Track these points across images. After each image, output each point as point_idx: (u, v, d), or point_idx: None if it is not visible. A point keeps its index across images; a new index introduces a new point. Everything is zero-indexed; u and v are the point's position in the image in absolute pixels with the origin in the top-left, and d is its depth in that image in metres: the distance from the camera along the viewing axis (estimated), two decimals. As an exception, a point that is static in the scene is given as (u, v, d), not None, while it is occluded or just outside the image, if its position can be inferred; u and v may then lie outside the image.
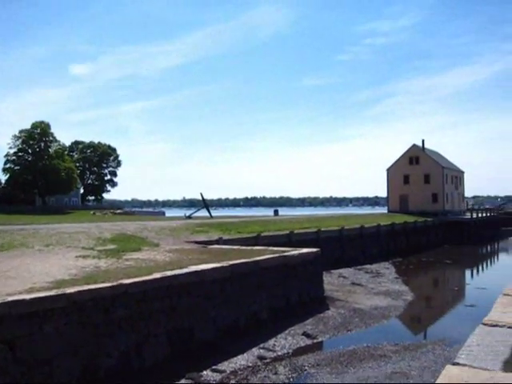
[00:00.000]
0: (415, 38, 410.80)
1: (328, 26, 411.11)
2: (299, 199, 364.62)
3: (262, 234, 33.77)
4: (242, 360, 15.43)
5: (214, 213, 66.33)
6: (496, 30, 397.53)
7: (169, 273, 15.68)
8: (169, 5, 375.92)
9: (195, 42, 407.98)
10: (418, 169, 77.86)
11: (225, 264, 18.04)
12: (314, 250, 24.38)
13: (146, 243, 25.62)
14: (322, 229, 41.10)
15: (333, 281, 29.90)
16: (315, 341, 18.06)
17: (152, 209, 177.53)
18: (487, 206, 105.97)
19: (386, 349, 17.15)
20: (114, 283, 13.59)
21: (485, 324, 6.81)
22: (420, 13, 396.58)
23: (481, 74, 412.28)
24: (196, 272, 16.42)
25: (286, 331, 18.61)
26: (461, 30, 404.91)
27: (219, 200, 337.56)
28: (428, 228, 63.89)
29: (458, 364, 5.21)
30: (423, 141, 79.86)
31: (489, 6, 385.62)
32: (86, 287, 12.86)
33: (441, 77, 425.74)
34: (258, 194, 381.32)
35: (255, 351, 16.30)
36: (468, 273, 42.76)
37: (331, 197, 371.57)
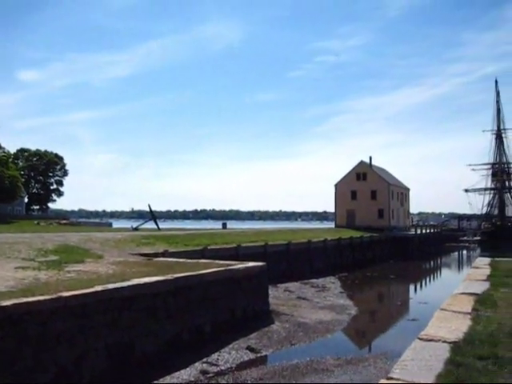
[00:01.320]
0: (365, 58, 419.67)
1: (280, 42, 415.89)
2: (249, 213, 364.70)
3: (209, 247, 33.56)
4: (184, 375, 15.20)
5: (162, 225, 65.61)
6: (441, 54, 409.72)
7: (111, 286, 15.34)
8: (120, 14, 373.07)
9: (146, 53, 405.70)
10: (365, 185, 79.12)
11: (169, 277, 17.79)
12: (260, 263, 24.35)
13: (90, 255, 25.06)
14: (270, 243, 41.17)
15: (279, 295, 29.91)
16: (259, 355, 17.96)
17: (99, 220, 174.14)
18: (431, 223, 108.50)
19: (328, 363, 17.18)
20: (53, 296, 13.19)
21: (420, 339, 6.90)
22: (370, 34, 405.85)
23: (426, 95, 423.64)
24: (139, 285, 16.13)
25: (230, 345, 18.45)
26: (408, 52, 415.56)
27: (168, 212, 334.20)
28: (374, 243, 64.83)
29: (391, 378, 5.25)
30: (370, 158, 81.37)
31: (435, 30, 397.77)
32: (23, 300, 12.43)
33: (388, 96, 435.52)
34: (208, 207, 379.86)
35: (198, 366, 16.09)
36: (412, 288, 43.54)
37: (281, 211, 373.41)
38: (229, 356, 17.41)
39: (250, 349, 18.27)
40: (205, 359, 16.69)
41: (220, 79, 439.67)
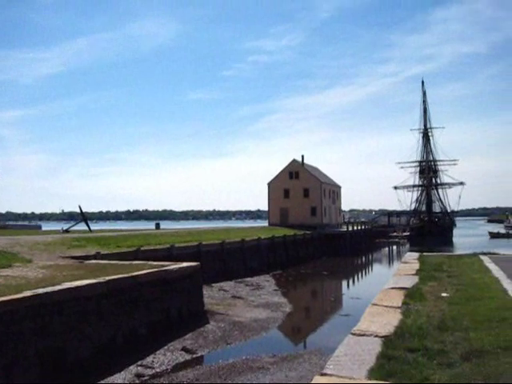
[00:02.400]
0: (297, 58, 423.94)
1: (212, 41, 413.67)
2: (182, 212, 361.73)
3: (142, 248, 33.09)
4: (118, 379, 14.96)
5: (94, 226, 64.14)
6: (370, 55, 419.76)
7: (40, 290, 14.89)
8: (48, 10, 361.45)
9: (76, 51, 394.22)
10: (298, 183, 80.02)
11: (101, 280, 17.43)
12: (194, 263, 24.24)
13: (18, 259, 24.23)
14: (204, 242, 41.01)
15: (213, 294, 29.84)
16: (195, 356, 17.89)
17: (28, 222, 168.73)
18: (362, 220, 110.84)
19: (264, 361, 17.30)
20: (-22, 303, 12.69)
21: (353, 334, 7.03)
22: (302, 34, 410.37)
23: (357, 94, 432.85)
24: (70, 289, 15.73)
25: (166, 347, 18.28)
26: (340, 53, 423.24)
27: (100, 213, 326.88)
28: (307, 241, 65.67)
29: (325, 374, 5.32)
30: (303, 156, 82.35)
31: (364, 31, 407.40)
32: None
33: (320, 96, 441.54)
34: (141, 207, 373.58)
35: (133, 369, 15.86)
36: (344, 283, 44.41)
37: (214, 210, 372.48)
38: (164, 358, 17.25)
39: (186, 350, 18.17)
40: (140, 362, 16.48)
41: (152, 78, 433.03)
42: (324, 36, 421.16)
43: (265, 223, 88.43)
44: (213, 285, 33.00)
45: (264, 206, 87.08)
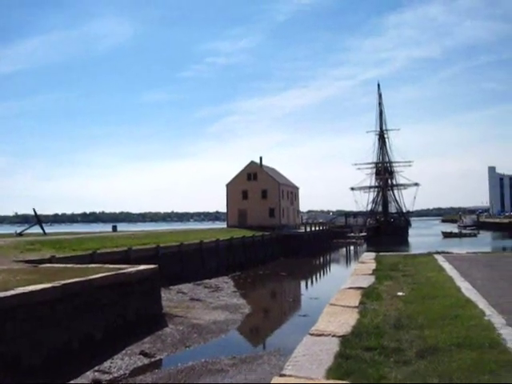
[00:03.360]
0: (254, 60, 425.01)
1: (170, 42, 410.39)
2: (140, 214, 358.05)
3: (99, 252, 32.65)
4: (74, 385, 14.69)
5: (49, 229, 63.00)
6: (326, 58, 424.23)
7: (-7, 296, 14.51)
8: (0, 7, 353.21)
9: (31, 50, 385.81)
10: (256, 185, 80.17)
11: (56, 284, 17.10)
12: (152, 266, 24.03)
13: (-31, 264, 23.59)
14: (162, 244, 40.72)
15: (172, 297, 29.63)
16: (153, 359, 17.73)
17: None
18: (320, 220, 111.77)
19: (223, 363, 17.27)
20: None
21: (311, 334, 7.08)
22: (259, 36, 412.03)
23: (314, 96, 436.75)
24: (23, 294, 15.37)
25: (123, 351, 18.06)
26: (296, 55, 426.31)
27: (55, 216, 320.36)
28: (265, 242, 65.83)
29: (284, 375, 5.33)
30: (261, 158, 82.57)
31: (321, 35, 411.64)
32: None
33: (277, 98, 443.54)
34: (97, 210, 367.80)
35: (89, 374, 15.61)
36: (303, 284, 44.72)
37: (173, 212, 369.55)
38: (122, 362, 17.03)
39: (144, 353, 17.98)
40: (96, 367, 16.23)
41: (109, 78, 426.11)
42: (281, 39, 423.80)
43: (223, 225, 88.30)
44: (171, 287, 32.76)
45: (222, 208, 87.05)
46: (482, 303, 9.30)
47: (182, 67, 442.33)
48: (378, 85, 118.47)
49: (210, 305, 28.37)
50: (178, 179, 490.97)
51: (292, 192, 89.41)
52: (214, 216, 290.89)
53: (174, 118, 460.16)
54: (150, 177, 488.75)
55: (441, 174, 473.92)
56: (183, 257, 42.76)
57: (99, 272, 20.83)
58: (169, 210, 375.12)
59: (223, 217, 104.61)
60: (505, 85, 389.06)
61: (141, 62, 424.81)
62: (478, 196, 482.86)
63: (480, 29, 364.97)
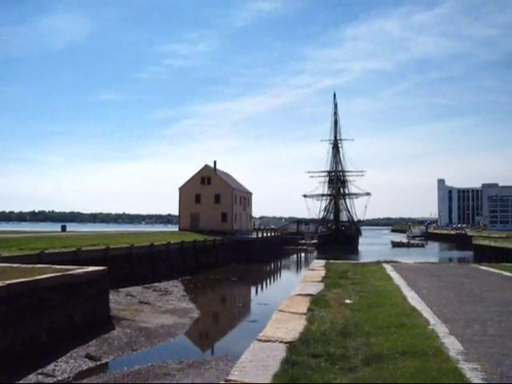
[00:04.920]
0: (212, 64, 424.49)
1: (128, 42, 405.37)
2: (91, 215, 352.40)
3: (46, 252, 31.96)
4: (16, 388, 14.32)
5: (-5, 228, 61.32)
6: (285, 65, 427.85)
7: None
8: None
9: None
10: (209, 189, 79.94)
11: (1, 284, 16.65)
12: (101, 268, 23.66)
13: None
14: (112, 246, 40.14)
15: (120, 300, 29.22)
16: (99, 363, 17.44)
17: None
18: (272, 226, 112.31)
19: (170, 367, 17.13)
20: None
21: (259, 340, 7.10)
22: (218, 41, 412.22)
23: (271, 103, 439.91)
24: (-34, 293, 14.92)
25: (68, 354, 17.70)
26: (254, 62, 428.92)
27: (2, 213, 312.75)
28: (217, 246, 65.66)
29: (230, 380, 5.33)
30: (215, 162, 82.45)
31: (278, 43, 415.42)
32: None
33: (234, 103, 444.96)
34: (47, 209, 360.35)
35: (32, 378, 15.25)
36: (253, 289, 44.74)
37: (124, 213, 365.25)
38: (66, 365, 16.69)
39: (90, 357, 17.67)
40: (40, 370, 15.86)
41: (62, 75, 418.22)
42: (239, 44, 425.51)
43: (175, 228, 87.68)
44: (120, 290, 32.31)
45: (175, 211, 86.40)
46: (426, 312, 9.51)
47: (138, 68, 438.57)
48: (334, 94, 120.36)
49: (159, 308, 28.09)
50: (130, 181, 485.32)
51: (245, 197, 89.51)
52: (167, 219, 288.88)
53: (129, 119, 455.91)
54: (102, 177, 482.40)
55: (392, 184, 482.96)
56: (133, 259, 42.26)
57: (46, 273, 20.38)
58: (120, 212, 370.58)
59: (175, 220, 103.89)
60: (454, 101, 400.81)
61: (96, 60, 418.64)
62: (427, 207, 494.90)
63: (432, 45, 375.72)
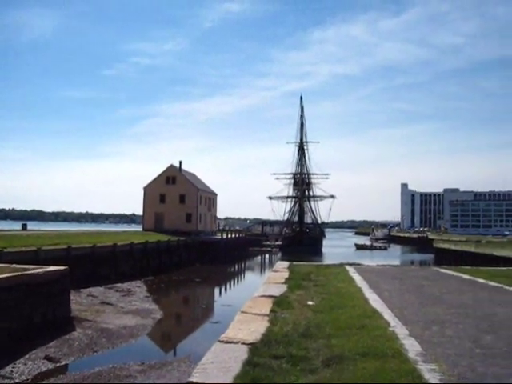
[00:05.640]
0: (179, 64, 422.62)
1: (94, 39, 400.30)
2: (53, 213, 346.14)
3: (6, 251, 31.35)
4: (-29, 390, 14.01)
5: (-48, 226, 59.84)
6: (252, 67, 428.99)
7: None
8: None
9: None
10: (174, 189, 79.44)
11: (-43, 283, 16.27)
12: (62, 268, 23.30)
13: None
14: (74, 246, 39.57)
15: (81, 300, 28.83)
16: (58, 364, 17.18)
17: None
18: (237, 228, 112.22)
19: (132, 369, 16.98)
20: None
21: (221, 341, 7.09)
22: (186, 40, 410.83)
23: (237, 104, 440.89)
24: None
25: (27, 356, 17.38)
26: (221, 63, 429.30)
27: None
28: (181, 247, 65.31)
29: (191, 382, 5.31)
30: (180, 162, 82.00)
31: (246, 44, 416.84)
32: None
33: (201, 103, 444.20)
34: (7, 206, 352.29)
35: (-12, 379, 14.93)
36: (217, 291, 44.67)
37: (87, 212, 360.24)
38: (24, 367, 16.39)
39: (49, 358, 17.39)
40: (-4, 372, 15.54)
41: (26, 70, 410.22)
42: (207, 44, 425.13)
43: (139, 228, 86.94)
44: (81, 290, 31.87)
45: (139, 211, 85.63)
46: (387, 314, 9.63)
47: (104, 65, 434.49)
48: (301, 97, 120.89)
49: (121, 309, 27.82)
50: (94, 179, 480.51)
51: (210, 198, 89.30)
52: (131, 219, 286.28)
53: (94, 117, 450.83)
54: (64, 175, 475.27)
55: (356, 187, 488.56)
56: (96, 259, 41.74)
57: (4, 272, 19.97)
58: (83, 211, 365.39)
59: (139, 220, 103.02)
60: (418, 106, 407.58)
61: (61, 56, 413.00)
62: (391, 211, 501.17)
63: (398, 51, 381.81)
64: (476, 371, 5.92)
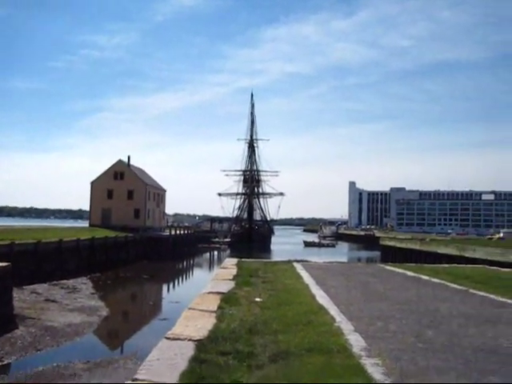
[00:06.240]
0: (130, 58, 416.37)
1: (42, 29, 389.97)
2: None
3: None
4: None
5: None
6: (204, 63, 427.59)
7: None
8: None
9: None
10: (122, 184, 78.42)
11: None
12: (4, 264, 22.72)
13: None
14: (17, 242, 38.56)
15: (25, 297, 28.17)
16: (0, 364, 16.73)
17: None
18: (186, 224, 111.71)
19: (77, 367, 16.72)
20: None
21: (167, 338, 7.04)
22: (137, 34, 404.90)
23: (188, 100, 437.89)
24: None
25: (-34, 354, 16.89)
26: (173, 57, 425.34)
27: None
28: (128, 243, 64.51)
29: (137, 380, 5.26)
30: (129, 157, 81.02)
31: (198, 40, 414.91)
32: None
33: (151, 98, 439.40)
34: None
35: None
36: (165, 287, 44.41)
37: (32, 207, 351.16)
38: (-36, 366, 15.93)
39: (-10, 357, 16.94)
40: None
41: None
42: (159, 39, 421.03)
43: (86, 224, 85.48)
44: (25, 287, 31.13)
45: (87, 206, 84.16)
46: (333, 310, 9.77)
47: (53, 57, 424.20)
48: (252, 94, 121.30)
49: (66, 307, 27.33)
50: (39, 173, 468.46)
51: (159, 194, 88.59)
52: (78, 214, 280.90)
53: (41, 109, 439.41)
54: (7, 168, 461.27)
55: (305, 185, 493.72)
56: (40, 255, 40.79)
57: None
58: (28, 206, 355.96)
59: (87, 215, 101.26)
60: (368, 106, 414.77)
61: (8, 46, 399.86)
62: (339, 209, 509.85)
63: (349, 51, 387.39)
64: (418, 365, 6.07)
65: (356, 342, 7.24)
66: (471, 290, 13.58)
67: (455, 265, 26.10)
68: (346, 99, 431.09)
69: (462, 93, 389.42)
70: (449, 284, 15.07)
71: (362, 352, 6.65)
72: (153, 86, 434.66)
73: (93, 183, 79.07)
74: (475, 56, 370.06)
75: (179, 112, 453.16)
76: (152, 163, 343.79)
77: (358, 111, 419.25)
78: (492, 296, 12.48)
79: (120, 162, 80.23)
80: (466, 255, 45.19)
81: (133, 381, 5.30)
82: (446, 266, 24.83)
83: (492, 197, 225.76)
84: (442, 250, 54.18)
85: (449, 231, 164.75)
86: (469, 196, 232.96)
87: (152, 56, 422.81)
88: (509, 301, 11.65)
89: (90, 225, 76.94)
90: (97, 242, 54.33)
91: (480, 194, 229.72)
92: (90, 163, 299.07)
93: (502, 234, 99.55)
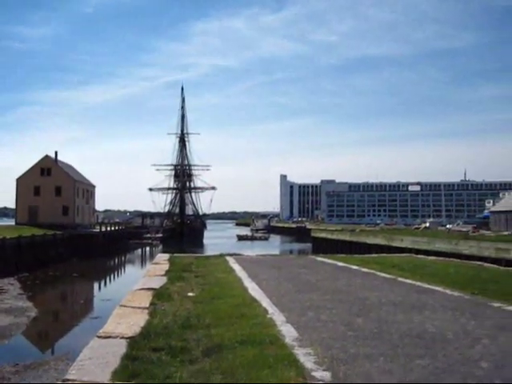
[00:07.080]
0: (54, 50, 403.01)
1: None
2: None
3: None
4: None
5: None
6: (132, 56, 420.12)
7: None
8: None
9: None
10: (50, 180, 76.37)
11: None
12: None
13: None
14: None
15: None
16: None
17: None
18: (117, 220, 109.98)
19: (5, 370, 16.25)
20: None
21: (99, 336, 6.96)
22: (61, 26, 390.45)
23: (116, 94, 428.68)
24: None
25: None
26: (100, 50, 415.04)
27: None
28: (57, 241, 62.95)
29: (67, 380, 5.18)
30: (56, 153, 78.95)
31: (126, 33, 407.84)
32: None
33: (77, 92, 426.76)
34: None
35: None
36: (96, 285, 43.63)
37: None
38: None
39: None
40: None
41: None
42: (84, 31, 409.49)
43: (12, 222, 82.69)
44: None
45: (12, 204, 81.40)
46: (265, 302, 9.89)
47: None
48: (182, 88, 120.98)
49: (-7, 309, 26.43)
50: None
51: (88, 190, 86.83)
52: (2, 212, 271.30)
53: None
54: None
55: (237, 179, 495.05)
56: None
57: None
58: None
59: (12, 213, 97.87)
60: (296, 101, 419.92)
61: None
62: (271, 202, 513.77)
63: (278, 46, 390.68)
64: (348, 352, 6.25)
65: (288, 332, 7.36)
66: (399, 279, 14.04)
67: (384, 254, 26.88)
68: (275, 94, 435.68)
69: (386, 88, 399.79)
70: (378, 273, 15.52)
71: (294, 342, 6.78)
72: (79, 79, 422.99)
73: (18, 180, 76.60)
74: (397, 52, 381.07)
75: (108, 106, 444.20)
76: (80, 159, 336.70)
77: (287, 106, 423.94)
78: (418, 283, 12.96)
79: (47, 157, 78.07)
80: (394, 245, 46.69)
81: (63, 381, 5.21)
82: (375, 255, 25.56)
83: (418, 188, 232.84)
84: (372, 240, 55.75)
85: (378, 222, 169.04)
86: (396, 187, 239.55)
87: (78, 48, 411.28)
88: (434, 287, 12.14)
89: (16, 223, 74.56)
90: (24, 241, 52.71)
91: (407, 185, 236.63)
92: (14, 159, 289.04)
93: (428, 224, 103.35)
